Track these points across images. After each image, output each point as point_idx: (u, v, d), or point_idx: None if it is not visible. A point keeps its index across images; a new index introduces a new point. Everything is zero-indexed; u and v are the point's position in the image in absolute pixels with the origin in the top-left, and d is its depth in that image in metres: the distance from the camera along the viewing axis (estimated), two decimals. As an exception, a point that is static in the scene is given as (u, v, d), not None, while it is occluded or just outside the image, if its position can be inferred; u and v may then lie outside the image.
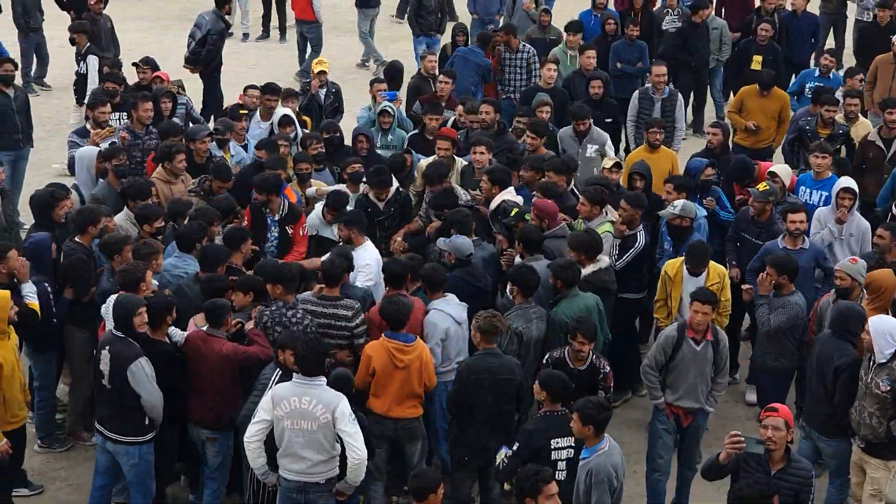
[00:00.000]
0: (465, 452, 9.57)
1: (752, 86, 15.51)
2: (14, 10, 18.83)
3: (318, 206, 11.97)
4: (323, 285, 10.07)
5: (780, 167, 12.57)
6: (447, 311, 10.05)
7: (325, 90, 15.27)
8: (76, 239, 10.57)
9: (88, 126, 13.27)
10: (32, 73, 19.15)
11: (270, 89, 14.29)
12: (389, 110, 13.92)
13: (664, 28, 17.98)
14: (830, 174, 12.64)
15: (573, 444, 8.67)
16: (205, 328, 9.53)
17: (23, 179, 14.34)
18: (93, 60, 15.73)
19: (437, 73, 15.44)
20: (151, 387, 9.18)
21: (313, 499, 8.90)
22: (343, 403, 8.74)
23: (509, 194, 11.70)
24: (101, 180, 12.05)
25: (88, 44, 16.04)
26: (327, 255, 10.48)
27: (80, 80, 15.92)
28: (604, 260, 10.71)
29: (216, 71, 17.00)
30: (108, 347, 9.28)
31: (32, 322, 10.01)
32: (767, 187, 11.78)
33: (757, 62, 16.86)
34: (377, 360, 9.49)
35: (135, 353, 9.19)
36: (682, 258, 10.88)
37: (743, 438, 8.32)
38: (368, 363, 9.52)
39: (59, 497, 10.36)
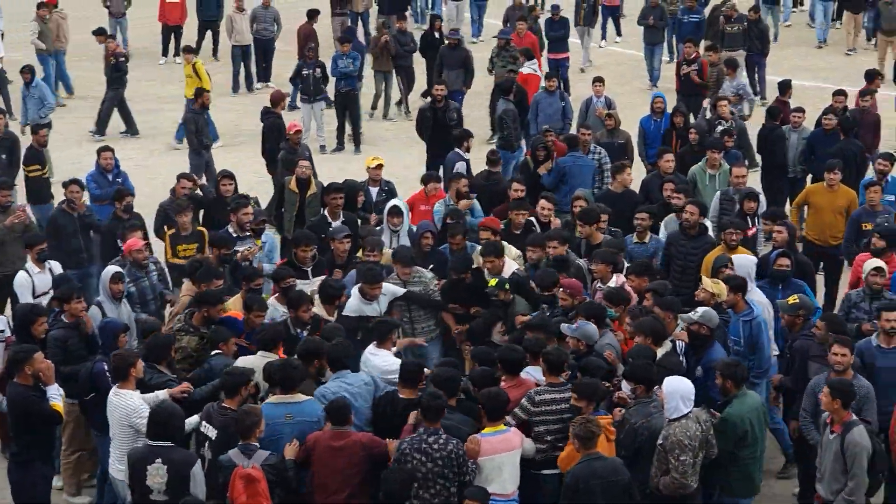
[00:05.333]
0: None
1: (820, 183, 15.52)
2: (188, 128, 19.50)
3: (355, 290, 12.28)
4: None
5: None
6: None
7: (377, 188, 15.61)
8: (224, 405, 10.20)
9: (231, 230, 13.97)
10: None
11: (335, 188, 14.65)
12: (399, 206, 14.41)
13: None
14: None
15: None
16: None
17: (94, 294, 14.40)
18: None
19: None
20: (205, 489, 9.43)
21: None
22: None
23: (510, 268, 12.54)
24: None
25: None
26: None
27: None
28: (667, 343, 10.87)
29: None
30: (158, 460, 9.40)
31: (56, 423, 10.61)
32: (798, 300, 11.68)
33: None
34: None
35: (193, 458, 9.52)
36: None
37: None
38: None
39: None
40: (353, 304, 12.24)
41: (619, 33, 29.06)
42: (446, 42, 22.81)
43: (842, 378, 10.27)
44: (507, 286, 12.24)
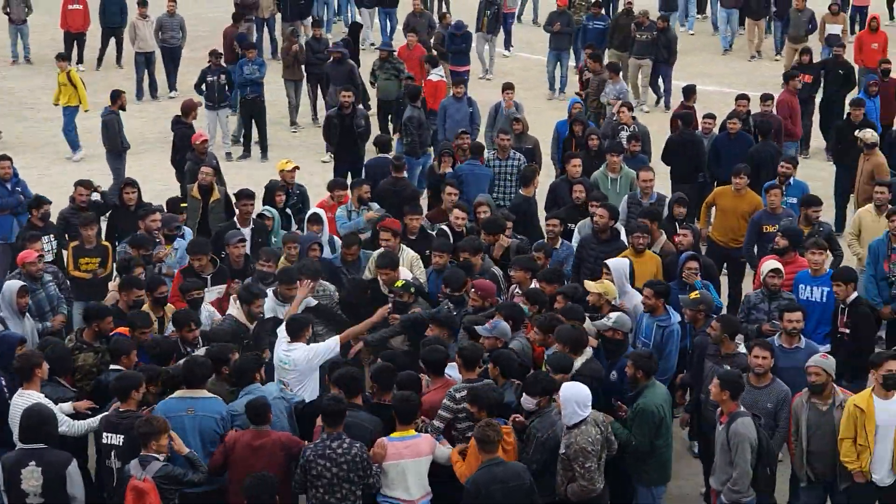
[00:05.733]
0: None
1: (727, 186, 15.71)
2: (110, 132, 19.22)
3: (270, 291, 12.32)
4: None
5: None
6: None
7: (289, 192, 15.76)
8: (121, 409, 10.08)
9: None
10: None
11: (246, 194, 14.60)
12: (267, 213, 14.63)
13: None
14: (829, 269, 12.82)
15: None
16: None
17: None
18: None
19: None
20: (83, 488, 9.56)
21: None
22: None
23: (403, 275, 12.67)
24: None
25: None
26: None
27: None
28: (588, 350, 10.90)
29: None
30: (32, 462, 9.34)
31: None
32: (699, 295, 11.87)
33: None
34: None
35: (68, 458, 9.51)
36: (870, 389, 10.60)
37: None
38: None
39: None
40: (269, 305, 12.25)
41: (510, 44, 28.90)
42: (330, 56, 22.22)
43: (730, 370, 10.49)
44: (413, 289, 12.29)
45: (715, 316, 11.80)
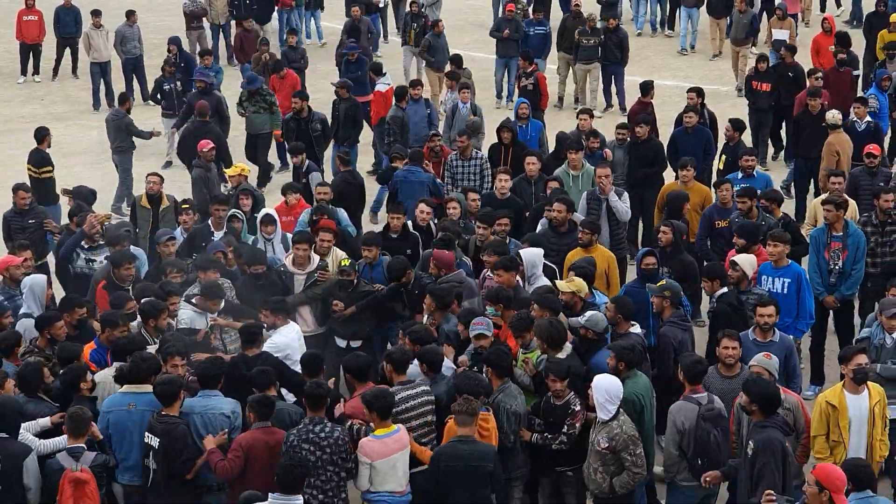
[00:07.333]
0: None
1: (673, 182, 15.89)
2: (133, 130, 19.58)
3: (184, 301, 12.36)
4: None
5: (743, 257, 12.80)
6: None
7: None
8: (163, 412, 10.16)
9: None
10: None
11: (219, 199, 14.73)
12: (238, 215, 14.68)
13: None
14: (790, 261, 12.93)
15: None
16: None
17: None
18: None
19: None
20: (38, 478, 9.72)
21: None
22: None
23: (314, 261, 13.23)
24: None
25: None
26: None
27: None
28: (567, 347, 11.04)
29: None
30: None
31: None
32: (665, 282, 11.98)
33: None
34: None
35: (27, 449, 9.76)
36: (840, 385, 10.65)
37: (775, 497, 8.74)
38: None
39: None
40: (188, 315, 12.29)
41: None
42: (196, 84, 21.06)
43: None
44: (357, 267, 12.87)
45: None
